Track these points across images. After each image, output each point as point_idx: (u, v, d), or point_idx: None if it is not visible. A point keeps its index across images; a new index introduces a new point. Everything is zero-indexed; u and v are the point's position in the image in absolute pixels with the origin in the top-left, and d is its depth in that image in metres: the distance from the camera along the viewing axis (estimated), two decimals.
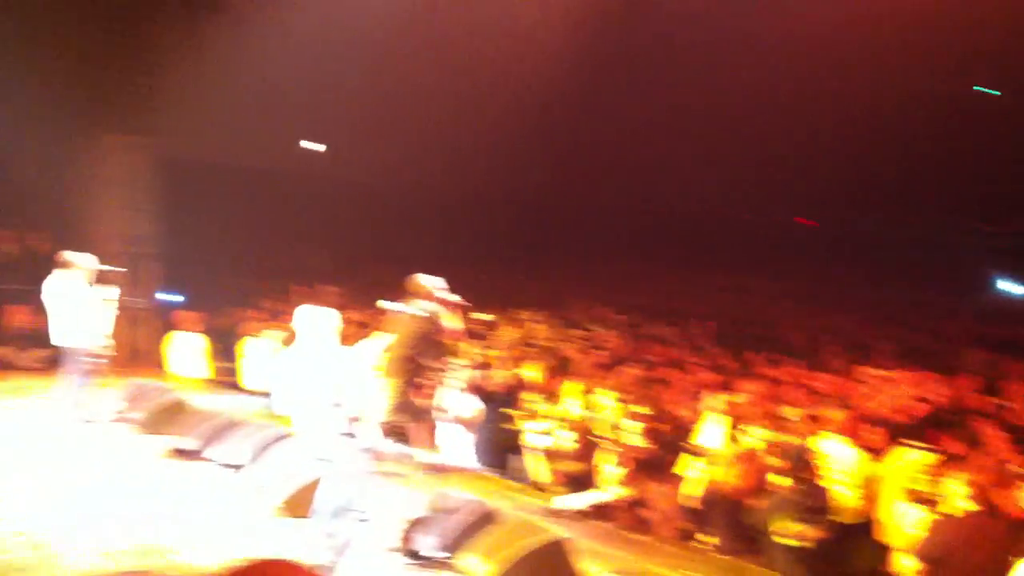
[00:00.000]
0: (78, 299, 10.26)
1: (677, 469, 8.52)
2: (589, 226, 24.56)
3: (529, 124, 20.17)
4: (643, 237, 24.13)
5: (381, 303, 8.95)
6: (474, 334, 10.32)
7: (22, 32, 14.56)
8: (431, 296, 8.64)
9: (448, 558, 6.72)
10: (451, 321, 8.94)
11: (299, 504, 7.64)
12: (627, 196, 24.53)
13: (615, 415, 9.38)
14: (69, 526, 7.25)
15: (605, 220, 24.69)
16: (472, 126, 20.23)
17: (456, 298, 8.92)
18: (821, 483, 7.45)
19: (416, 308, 8.44)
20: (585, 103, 21.35)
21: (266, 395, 12.66)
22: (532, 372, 11.37)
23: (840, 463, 7.72)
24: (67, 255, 10.41)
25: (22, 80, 13.82)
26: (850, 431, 8.02)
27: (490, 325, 12.43)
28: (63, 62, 14.75)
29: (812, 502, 7.20)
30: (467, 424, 10.04)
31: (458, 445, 9.98)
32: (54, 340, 10.38)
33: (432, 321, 8.67)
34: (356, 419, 6.63)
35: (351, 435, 6.60)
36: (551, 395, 10.53)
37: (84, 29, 15.20)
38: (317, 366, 6.63)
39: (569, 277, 22.07)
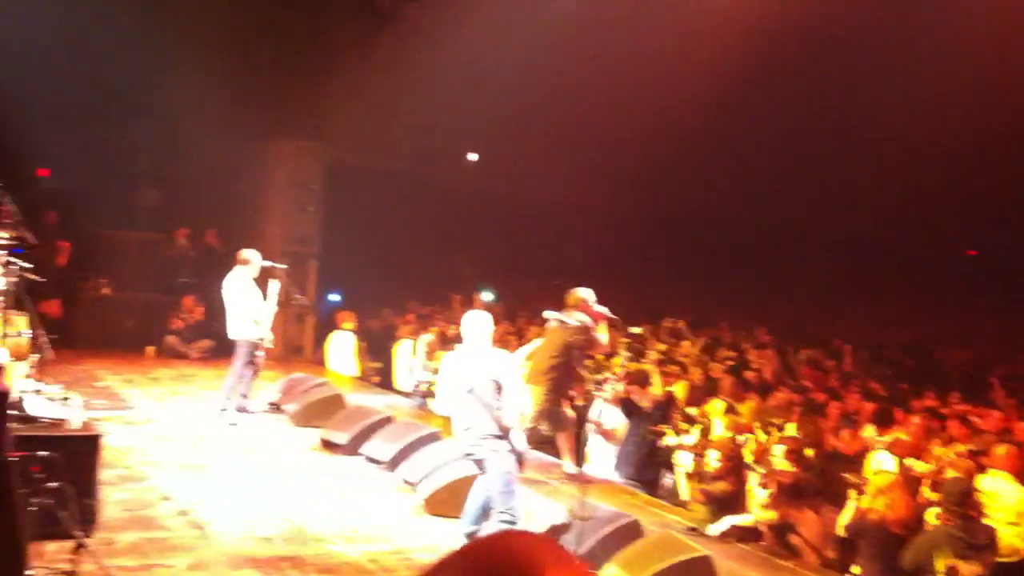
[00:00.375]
0: (248, 294, 10.74)
1: (827, 497, 8.28)
2: (746, 245, 24.08)
3: (687, 142, 20.07)
4: (799, 258, 23.48)
5: (545, 313, 9.02)
6: (623, 348, 10.25)
7: (206, 40, 15.39)
8: (584, 307, 8.70)
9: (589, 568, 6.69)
10: (600, 333, 8.96)
11: (444, 502, 7.77)
12: (787, 215, 23.91)
13: (764, 438, 9.19)
14: (226, 509, 7.57)
15: (765, 239, 24.15)
16: (630, 145, 20.30)
17: (605, 310, 8.94)
18: (982, 520, 7.11)
19: (570, 319, 8.51)
20: (757, 122, 20.99)
21: (415, 396, 12.97)
22: (680, 389, 11.26)
23: (1002, 500, 7.37)
24: (243, 252, 10.91)
25: (203, 86, 14.58)
26: (1014, 468, 7.64)
27: (638, 339, 12.34)
28: (242, 70, 15.51)
29: (973, 539, 6.86)
30: (611, 437, 9.99)
31: (602, 457, 9.94)
32: (229, 333, 10.88)
33: (583, 332, 8.72)
34: (511, 424, 6.69)
35: (505, 438, 6.66)
36: (699, 413, 10.39)
37: (261, 39, 15.96)
38: (481, 370, 6.74)
39: (721, 296, 21.69)
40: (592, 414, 9.77)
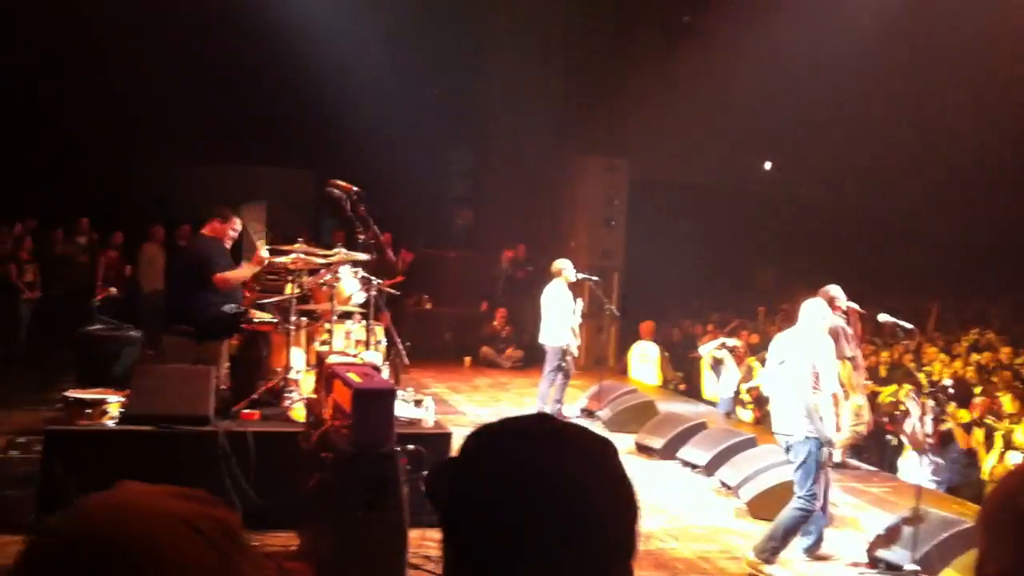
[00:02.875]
0: (562, 302, 11.34)
1: None
2: None
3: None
4: None
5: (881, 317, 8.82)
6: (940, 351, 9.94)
7: (518, 69, 16.49)
8: (833, 305, 8.48)
9: (919, 572, 6.62)
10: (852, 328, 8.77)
11: (767, 506, 7.90)
12: None
13: None
14: None
15: None
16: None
17: (854, 305, 8.73)
18: None
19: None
20: None
21: (723, 404, 13.14)
22: (1004, 397, 10.74)
23: None
24: (557, 263, 11.55)
25: (515, 111, 15.62)
26: None
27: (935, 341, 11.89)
28: (551, 93, 16.47)
29: None
30: (924, 445, 9.70)
31: (920, 466, 9.67)
32: (540, 338, 11.54)
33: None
34: (821, 410, 6.75)
35: (814, 422, 6.73)
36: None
37: (569, 62, 16.81)
38: (799, 350, 6.90)
39: None
40: (905, 423, 9.58)
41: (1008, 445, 9.78)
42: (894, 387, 11.82)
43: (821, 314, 7.06)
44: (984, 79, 17.72)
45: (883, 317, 8.39)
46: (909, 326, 7.93)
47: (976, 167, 19.57)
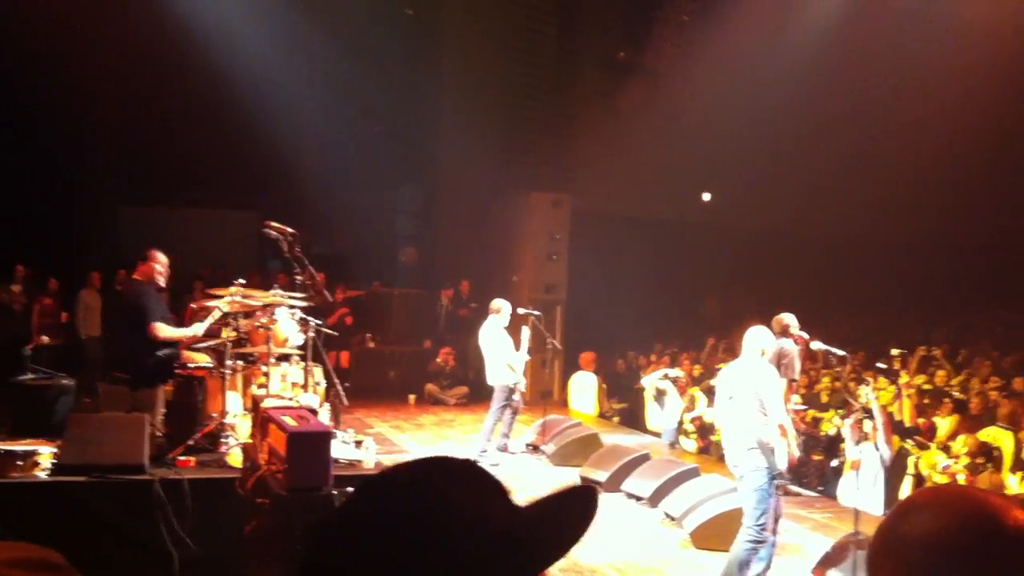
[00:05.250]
0: (502, 342, 11.37)
1: None
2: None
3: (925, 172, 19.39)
4: None
5: (814, 344, 8.93)
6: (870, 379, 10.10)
7: (466, 106, 16.63)
8: (787, 333, 8.66)
9: None
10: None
11: (711, 536, 7.94)
12: None
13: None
14: None
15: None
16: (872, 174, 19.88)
17: (804, 335, 8.89)
18: None
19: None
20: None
21: (666, 434, 13.22)
22: (943, 420, 10.94)
23: None
24: (495, 303, 11.59)
25: (460, 151, 15.75)
26: None
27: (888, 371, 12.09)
28: (493, 130, 16.61)
29: None
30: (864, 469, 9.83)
31: (861, 489, 9.79)
32: (488, 379, 11.55)
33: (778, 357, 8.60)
34: (770, 440, 6.82)
35: (764, 454, 6.79)
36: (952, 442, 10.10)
37: (512, 98, 16.99)
38: (745, 382, 6.97)
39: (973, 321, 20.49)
40: (848, 448, 9.68)
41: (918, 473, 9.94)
42: (832, 412, 11.98)
43: (762, 343, 7.11)
44: (922, 104, 18.14)
45: (816, 345, 8.53)
46: (841, 352, 8.06)
47: (917, 191, 19.95)
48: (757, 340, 7.08)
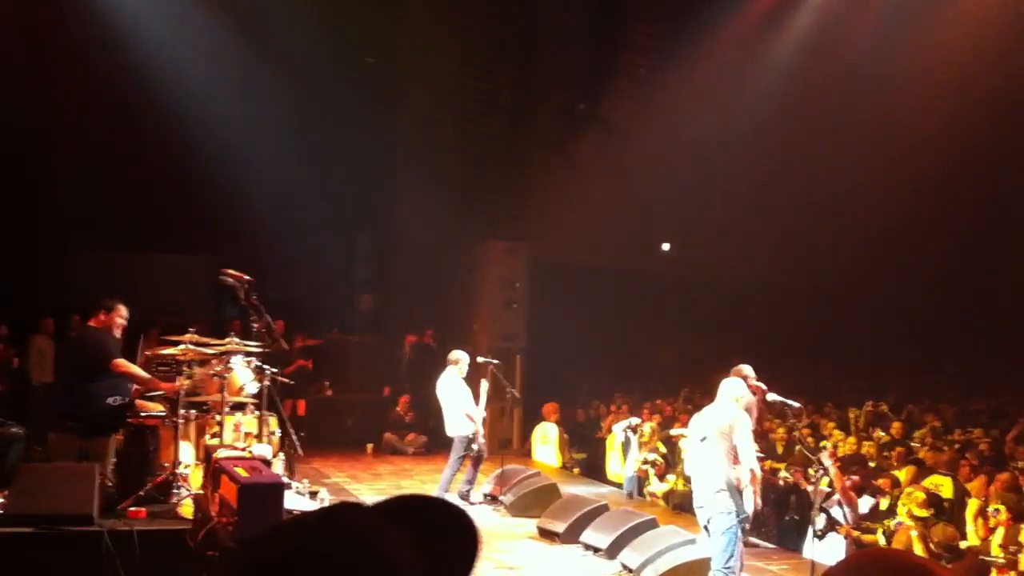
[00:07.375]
0: (460, 392, 11.32)
1: None
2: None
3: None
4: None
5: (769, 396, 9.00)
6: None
7: (422, 154, 16.71)
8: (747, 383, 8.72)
9: None
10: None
11: None
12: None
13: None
14: None
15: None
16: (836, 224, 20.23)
17: (762, 385, 8.96)
18: None
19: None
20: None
21: (628, 484, 13.15)
22: (900, 473, 11.00)
23: None
24: (453, 353, 11.55)
25: (418, 200, 15.81)
26: None
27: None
28: (449, 180, 16.69)
29: None
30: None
31: (813, 542, 9.81)
32: (447, 430, 11.47)
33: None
34: (740, 483, 6.87)
35: (733, 497, 6.83)
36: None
37: (469, 147, 17.09)
38: (716, 424, 7.09)
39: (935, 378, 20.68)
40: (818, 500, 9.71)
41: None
42: (783, 465, 12.01)
43: (739, 392, 7.28)
44: (874, 149, 18.50)
45: (772, 396, 8.58)
46: (796, 404, 8.13)
47: (871, 238, 20.28)
48: (732, 388, 7.35)
